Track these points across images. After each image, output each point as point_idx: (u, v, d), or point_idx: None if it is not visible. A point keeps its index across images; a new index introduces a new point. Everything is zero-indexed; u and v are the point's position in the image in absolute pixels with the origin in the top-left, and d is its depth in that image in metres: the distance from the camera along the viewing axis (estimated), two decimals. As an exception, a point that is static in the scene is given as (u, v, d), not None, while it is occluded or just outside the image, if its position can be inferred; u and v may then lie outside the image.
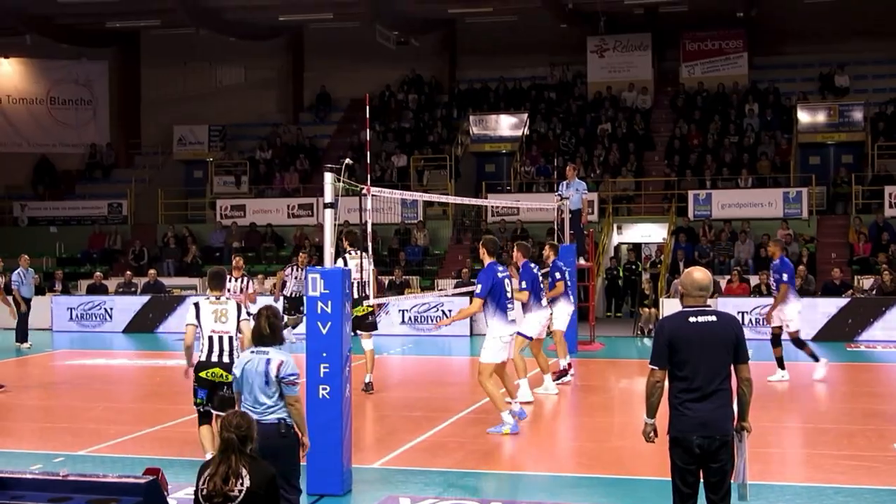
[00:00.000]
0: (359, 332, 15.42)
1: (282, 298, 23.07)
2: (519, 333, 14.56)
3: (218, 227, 32.72)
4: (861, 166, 31.11)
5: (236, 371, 8.09)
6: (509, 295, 13.11)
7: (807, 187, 29.32)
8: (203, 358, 10.64)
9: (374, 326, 16.07)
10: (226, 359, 10.50)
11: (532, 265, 15.63)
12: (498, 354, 13.02)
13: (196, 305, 10.75)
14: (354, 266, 13.72)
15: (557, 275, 16.75)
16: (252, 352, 8.11)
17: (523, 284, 15.21)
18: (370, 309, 15.64)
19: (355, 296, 13.99)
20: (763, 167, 31.05)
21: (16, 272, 23.51)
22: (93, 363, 21.27)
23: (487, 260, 13.19)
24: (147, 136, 38.90)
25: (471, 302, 13.52)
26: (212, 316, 10.66)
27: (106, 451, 12.32)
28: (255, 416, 7.76)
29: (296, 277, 22.76)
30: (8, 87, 38.19)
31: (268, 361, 7.96)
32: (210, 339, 10.62)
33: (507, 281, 13.09)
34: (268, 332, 8.11)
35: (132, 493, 6.44)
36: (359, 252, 14.02)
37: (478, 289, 12.97)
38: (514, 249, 15.67)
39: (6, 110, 37.95)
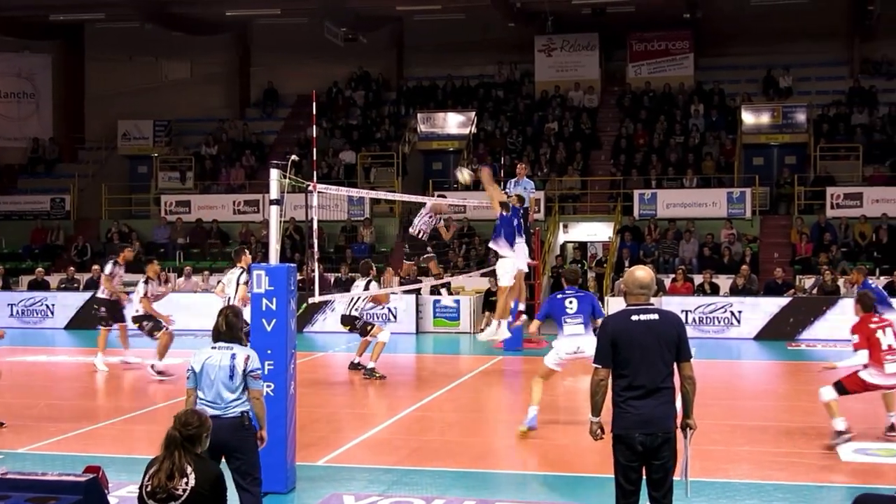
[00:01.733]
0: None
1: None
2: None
3: (162, 223, 32.44)
4: (804, 167, 31.48)
5: (194, 366, 8.04)
6: (568, 311, 13.12)
7: (750, 188, 29.63)
8: None
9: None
10: None
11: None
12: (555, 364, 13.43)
13: None
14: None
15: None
16: (213, 347, 8.12)
17: None
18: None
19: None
20: (708, 167, 31.34)
21: None
22: (34, 360, 21.03)
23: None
24: (91, 131, 38.45)
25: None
26: None
27: (46, 448, 12.18)
28: (216, 412, 7.84)
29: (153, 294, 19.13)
30: (-51, 80, 37.66)
31: (233, 356, 8.00)
32: None
33: (566, 301, 13.17)
34: (224, 329, 8.15)
35: (72, 492, 6.39)
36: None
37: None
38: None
39: (-53, 103, 37.40)
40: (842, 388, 12.13)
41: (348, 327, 18.22)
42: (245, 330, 10.15)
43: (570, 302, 13.03)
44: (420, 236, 19.46)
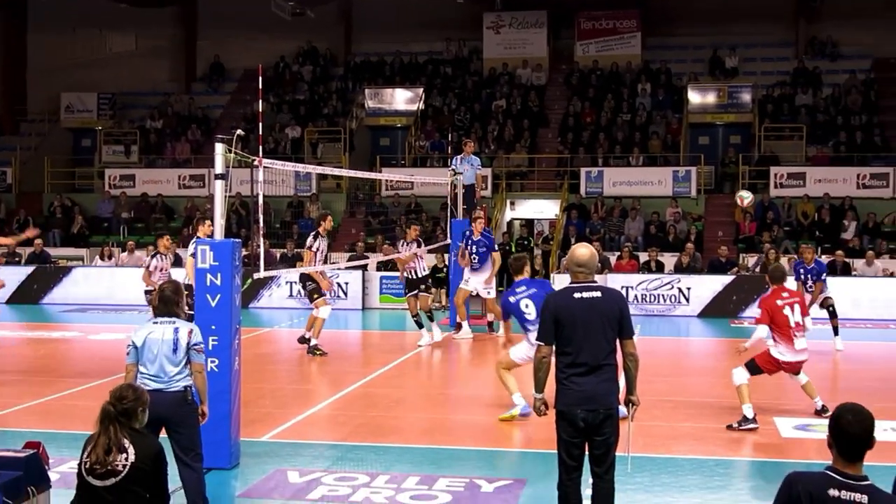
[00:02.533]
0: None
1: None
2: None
3: (106, 198, 32.11)
4: (748, 147, 31.78)
5: (136, 341, 7.98)
6: (528, 317, 12.33)
7: (696, 166, 29.87)
8: None
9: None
10: None
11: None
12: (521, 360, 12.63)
13: None
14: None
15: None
16: (154, 322, 8.08)
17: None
18: None
19: None
20: (654, 146, 31.53)
21: None
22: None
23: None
24: (33, 104, 37.90)
25: None
26: None
27: (-14, 424, 12.06)
28: (159, 385, 7.83)
29: (162, 269, 17.78)
30: None
31: (176, 330, 7.98)
32: None
33: (522, 305, 12.38)
34: (160, 303, 8.15)
35: (11, 467, 6.33)
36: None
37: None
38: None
39: None
40: (754, 367, 12.09)
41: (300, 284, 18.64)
42: (190, 303, 10.16)
43: (527, 306, 12.24)
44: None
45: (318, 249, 17.26)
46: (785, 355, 12.02)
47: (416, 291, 18.78)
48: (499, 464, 10.63)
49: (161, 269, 17.49)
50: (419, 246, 18.83)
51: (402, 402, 13.80)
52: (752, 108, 32.13)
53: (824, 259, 23.56)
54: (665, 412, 12.66)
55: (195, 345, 8.00)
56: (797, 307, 12.08)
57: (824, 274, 18.39)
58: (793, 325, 11.92)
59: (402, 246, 19.06)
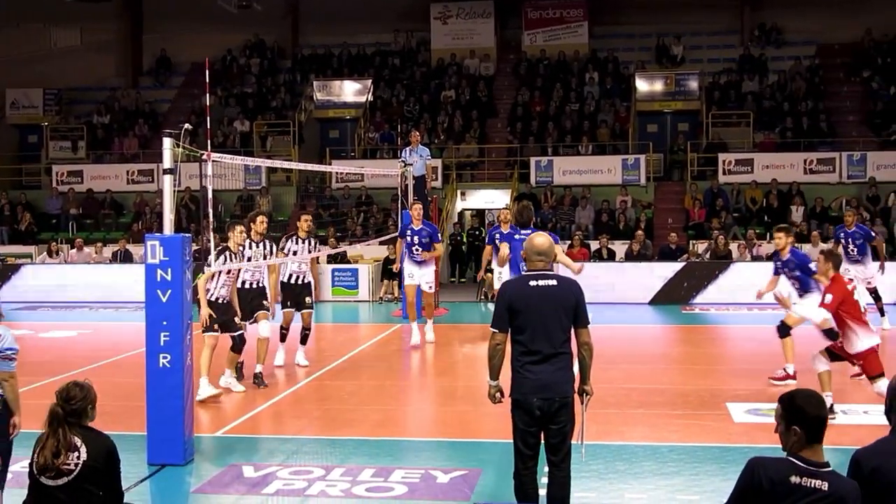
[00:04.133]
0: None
1: None
2: None
3: (54, 194, 31.78)
4: (696, 134, 31.99)
5: None
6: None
7: (644, 154, 30.04)
8: None
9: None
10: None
11: None
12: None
13: None
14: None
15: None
16: None
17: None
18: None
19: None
20: (603, 134, 31.67)
21: None
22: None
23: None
24: (-23, 100, 37.46)
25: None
26: None
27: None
28: None
29: None
30: None
31: None
32: None
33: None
34: None
35: (-37, 467, 6.25)
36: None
37: None
38: None
39: None
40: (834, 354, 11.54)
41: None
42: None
43: None
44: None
45: (290, 252, 16.02)
46: (872, 338, 11.18)
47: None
48: (454, 454, 10.64)
49: None
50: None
51: (355, 395, 13.78)
52: (699, 95, 32.35)
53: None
54: (618, 399, 12.74)
55: (2, 351, 7.60)
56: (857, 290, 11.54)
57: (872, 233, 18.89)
58: (863, 309, 11.33)
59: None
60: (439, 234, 18.45)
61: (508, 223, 16.93)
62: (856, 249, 18.41)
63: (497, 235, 17.22)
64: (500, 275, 18.41)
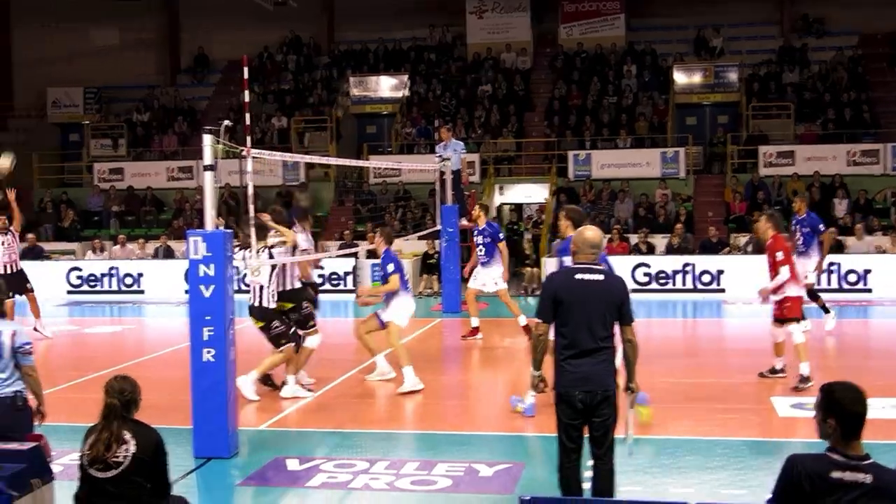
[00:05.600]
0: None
1: None
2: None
3: (96, 191, 32.04)
4: (736, 126, 31.75)
5: None
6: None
7: (684, 147, 29.84)
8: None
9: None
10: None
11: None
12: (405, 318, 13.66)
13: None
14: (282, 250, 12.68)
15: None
16: None
17: (389, 269, 13.48)
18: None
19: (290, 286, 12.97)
20: (641, 127, 31.51)
21: None
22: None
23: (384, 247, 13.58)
24: (20, 99, 37.76)
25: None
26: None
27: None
28: None
29: (2, 243, 17.78)
30: None
31: None
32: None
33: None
34: None
35: (14, 460, 6.35)
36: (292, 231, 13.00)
37: (390, 268, 13.35)
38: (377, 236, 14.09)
39: None
40: (794, 318, 12.91)
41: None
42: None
43: None
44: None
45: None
46: (797, 290, 13.00)
47: None
48: (497, 448, 10.64)
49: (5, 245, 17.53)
50: None
51: (397, 388, 13.78)
52: (738, 87, 32.10)
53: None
54: (661, 393, 12.67)
55: (19, 347, 7.76)
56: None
57: (821, 226, 17.30)
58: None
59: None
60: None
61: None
62: (801, 239, 17.07)
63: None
64: (475, 277, 17.91)
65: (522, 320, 17.05)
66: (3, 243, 17.70)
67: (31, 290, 18.30)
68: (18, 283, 17.73)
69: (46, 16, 36.56)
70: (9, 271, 17.62)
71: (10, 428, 7.50)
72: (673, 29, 35.72)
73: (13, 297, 16.87)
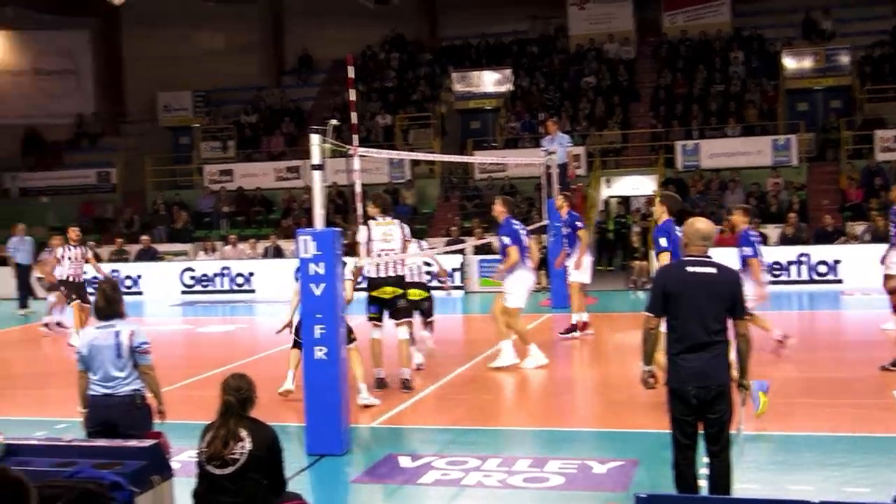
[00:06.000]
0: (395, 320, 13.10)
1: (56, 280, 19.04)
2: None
3: (206, 193, 32.62)
4: (850, 111, 31.00)
5: (81, 350, 7.89)
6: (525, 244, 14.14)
7: (796, 134, 29.23)
8: (373, 275, 12.60)
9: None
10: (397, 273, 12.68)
11: (514, 221, 14.55)
12: (521, 299, 14.14)
13: (367, 226, 12.40)
14: (381, 234, 12.80)
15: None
16: (96, 328, 7.95)
17: (505, 241, 13.86)
18: (397, 293, 13.04)
19: (390, 273, 12.84)
20: (750, 115, 30.93)
21: (11, 240, 23.64)
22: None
23: (504, 217, 14.08)
24: (132, 104, 38.63)
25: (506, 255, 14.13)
26: (381, 236, 12.56)
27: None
28: (107, 391, 7.76)
29: (69, 258, 18.36)
30: (-8, 60, 38.01)
31: (117, 333, 7.83)
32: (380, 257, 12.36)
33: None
34: (102, 304, 7.97)
35: (136, 457, 6.46)
36: (394, 220, 13.04)
37: (506, 240, 13.91)
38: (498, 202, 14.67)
39: (-9, 83, 37.79)
40: None
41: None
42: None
43: None
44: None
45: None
46: None
47: None
48: (610, 444, 10.52)
49: (74, 259, 18.18)
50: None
51: (509, 385, 13.75)
52: (850, 70, 31.33)
53: None
54: (778, 388, 12.41)
55: (137, 347, 7.83)
56: None
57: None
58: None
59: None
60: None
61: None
62: (893, 229, 15.59)
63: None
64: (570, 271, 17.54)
65: (575, 317, 17.11)
66: (72, 257, 18.28)
67: (87, 303, 18.40)
68: (78, 292, 18.29)
69: (154, 22, 37.27)
70: (72, 280, 18.27)
71: (129, 426, 7.66)
72: (780, 13, 35.02)
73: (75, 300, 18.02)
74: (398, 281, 12.95)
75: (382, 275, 12.84)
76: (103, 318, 7.98)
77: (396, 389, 13.16)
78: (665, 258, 11.34)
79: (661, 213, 11.57)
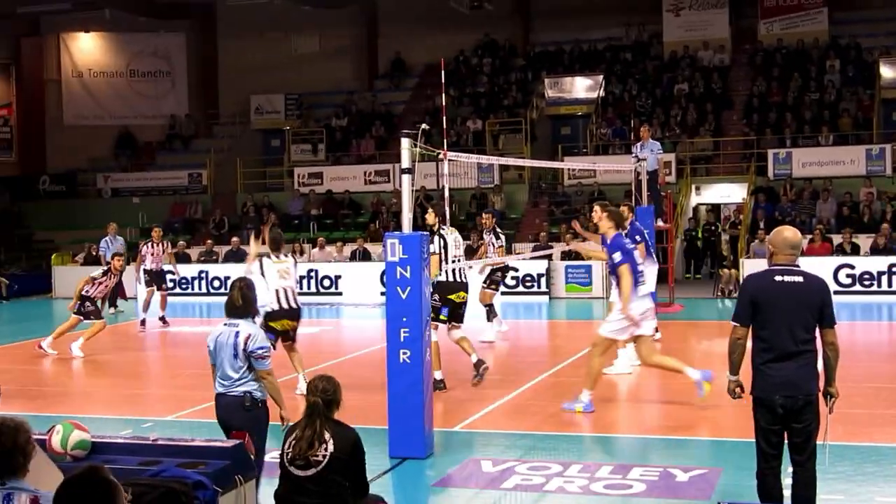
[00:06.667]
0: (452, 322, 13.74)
1: (142, 272, 22.06)
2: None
3: (296, 195, 32.97)
4: (948, 121, 30.38)
5: (209, 344, 7.99)
6: (641, 268, 12.19)
7: (890, 144, 28.71)
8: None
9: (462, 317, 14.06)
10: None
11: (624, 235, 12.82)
12: (621, 332, 12.13)
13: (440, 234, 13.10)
14: (453, 242, 13.48)
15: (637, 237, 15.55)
16: (224, 324, 8.02)
17: (616, 258, 11.96)
18: (466, 297, 13.85)
19: (449, 278, 13.47)
20: (844, 124, 30.47)
21: (103, 239, 24.16)
22: (178, 330, 21.61)
23: (613, 232, 12.03)
24: (225, 107, 39.24)
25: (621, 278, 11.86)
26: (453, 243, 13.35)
27: (193, 416, 12.55)
28: (223, 390, 7.85)
29: (152, 254, 21.94)
30: (89, 61, 38.88)
31: (236, 334, 7.88)
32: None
33: (636, 253, 12.26)
34: (240, 303, 8.02)
35: (220, 457, 6.54)
36: (451, 229, 13.66)
37: (617, 257, 11.79)
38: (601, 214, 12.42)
39: (88, 84, 38.64)
40: None
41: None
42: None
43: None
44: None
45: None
46: None
47: (486, 283, 18.12)
48: (693, 452, 10.46)
49: (155, 255, 21.75)
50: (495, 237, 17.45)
51: (593, 392, 13.70)
52: (949, 79, 30.69)
53: None
54: (865, 399, 12.24)
55: (252, 351, 7.83)
56: None
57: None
58: None
59: (485, 234, 18.00)
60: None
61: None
62: None
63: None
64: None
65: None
66: (154, 253, 21.85)
67: (165, 290, 22.48)
68: (158, 279, 21.99)
69: (249, 25, 37.81)
70: (154, 270, 21.93)
71: (239, 427, 7.69)
72: (879, 21, 34.42)
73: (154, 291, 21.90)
74: (467, 287, 13.84)
75: (457, 279, 13.55)
76: (233, 315, 8.06)
77: (477, 393, 13.20)
78: (626, 271, 11.52)
79: (607, 229, 11.71)
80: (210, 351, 8.02)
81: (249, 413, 7.89)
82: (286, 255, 13.52)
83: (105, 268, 18.51)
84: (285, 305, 13.29)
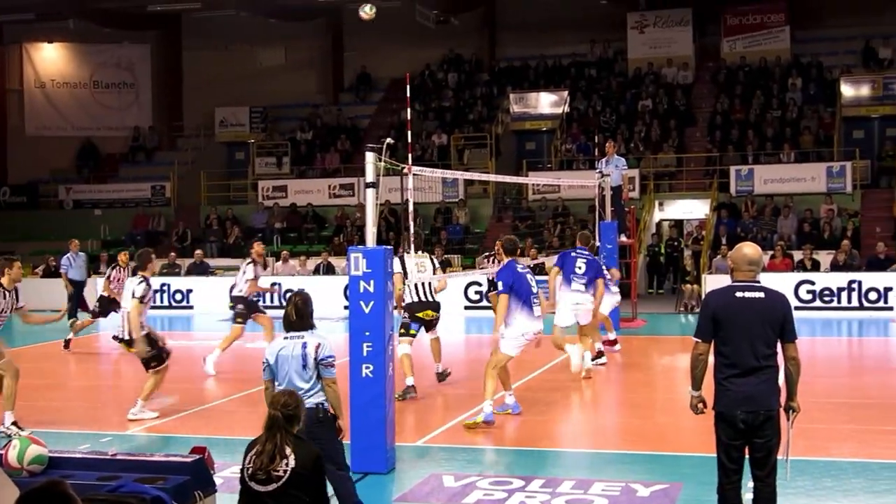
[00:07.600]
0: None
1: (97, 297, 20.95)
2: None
3: (260, 209, 32.88)
4: (906, 139, 30.72)
5: (269, 358, 8.01)
6: (534, 290, 12.46)
7: (851, 161, 29.03)
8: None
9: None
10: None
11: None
12: (516, 349, 12.58)
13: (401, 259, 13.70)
14: (416, 265, 14.14)
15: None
16: (285, 338, 8.08)
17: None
18: (436, 315, 14.60)
19: (421, 298, 14.28)
20: (806, 141, 30.77)
21: (65, 256, 23.86)
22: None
23: (506, 258, 12.70)
24: (189, 119, 39.08)
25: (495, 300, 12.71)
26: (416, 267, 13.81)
27: (152, 430, 12.46)
28: None
29: (118, 279, 19.54)
30: (52, 72, 38.63)
31: (304, 345, 7.95)
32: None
33: (529, 276, 12.49)
34: (295, 318, 8.08)
35: (179, 472, 6.50)
36: (424, 253, 14.67)
37: (499, 286, 12.36)
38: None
39: (50, 94, 38.38)
40: None
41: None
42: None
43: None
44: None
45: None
46: None
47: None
48: (654, 467, 10.48)
49: (118, 280, 19.32)
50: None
51: (554, 406, 13.74)
52: (909, 98, 31.05)
53: None
54: (825, 414, 12.34)
55: (323, 359, 7.92)
56: None
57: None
58: None
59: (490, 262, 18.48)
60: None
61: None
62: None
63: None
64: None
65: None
66: (118, 279, 19.52)
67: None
68: (109, 306, 19.62)
69: (215, 37, 37.73)
70: (106, 295, 19.96)
71: (315, 439, 7.53)
72: (840, 40, 34.82)
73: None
74: (437, 306, 14.65)
75: (426, 299, 14.41)
76: (293, 329, 8.09)
77: (440, 408, 13.20)
78: (503, 300, 12.08)
79: (501, 257, 12.91)
80: (269, 366, 8.02)
81: (323, 424, 7.95)
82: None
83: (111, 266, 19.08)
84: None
